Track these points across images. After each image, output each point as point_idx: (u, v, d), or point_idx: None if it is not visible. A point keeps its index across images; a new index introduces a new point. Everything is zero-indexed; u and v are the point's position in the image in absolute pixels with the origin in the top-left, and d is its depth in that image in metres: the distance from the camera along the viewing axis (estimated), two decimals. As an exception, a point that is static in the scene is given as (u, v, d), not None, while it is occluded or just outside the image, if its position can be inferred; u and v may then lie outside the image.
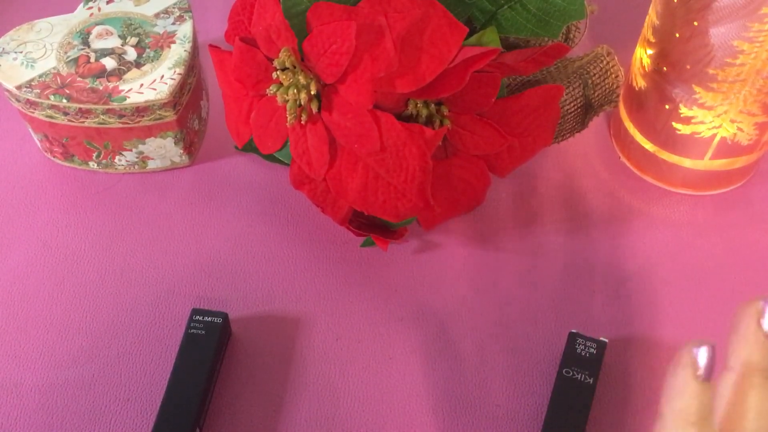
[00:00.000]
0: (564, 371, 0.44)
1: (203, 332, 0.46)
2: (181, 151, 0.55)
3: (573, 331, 0.46)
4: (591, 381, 0.44)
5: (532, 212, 0.54)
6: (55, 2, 0.64)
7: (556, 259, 0.51)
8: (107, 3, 0.56)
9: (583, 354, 0.45)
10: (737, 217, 0.54)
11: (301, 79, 0.42)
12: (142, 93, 0.50)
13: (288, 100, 0.43)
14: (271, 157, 0.51)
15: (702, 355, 0.31)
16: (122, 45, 0.53)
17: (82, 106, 0.50)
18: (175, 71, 0.51)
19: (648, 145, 0.54)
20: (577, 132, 0.53)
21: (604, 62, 0.51)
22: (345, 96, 0.42)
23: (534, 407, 0.45)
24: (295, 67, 0.43)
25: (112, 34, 0.54)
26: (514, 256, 0.52)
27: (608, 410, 0.45)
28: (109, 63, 0.52)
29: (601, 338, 0.46)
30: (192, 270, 0.51)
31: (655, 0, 0.49)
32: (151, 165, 0.55)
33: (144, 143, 0.53)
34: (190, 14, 0.55)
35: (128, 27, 0.54)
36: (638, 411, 0.45)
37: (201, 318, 0.46)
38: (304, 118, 0.43)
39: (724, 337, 0.48)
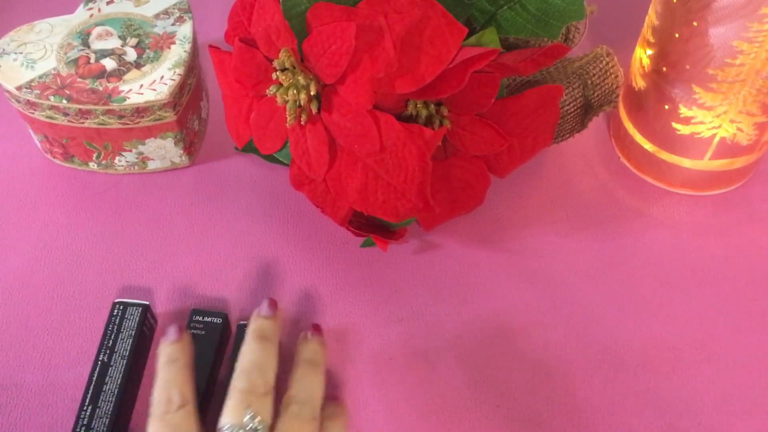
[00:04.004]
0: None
1: (203, 332, 0.46)
2: (181, 152, 0.55)
3: (241, 322, 0.46)
4: None
5: (532, 212, 0.54)
6: (55, 3, 0.64)
7: (556, 259, 0.51)
8: (107, 4, 0.56)
9: None
10: (737, 217, 0.54)
11: (301, 80, 0.43)
12: (142, 94, 0.50)
13: (288, 101, 0.43)
14: (270, 158, 0.51)
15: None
16: (122, 46, 0.53)
17: (82, 106, 0.50)
18: (175, 72, 0.52)
19: (647, 145, 0.54)
20: (576, 132, 0.53)
21: (604, 62, 0.51)
22: (345, 96, 0.42)
23: (534, 407, 0.45)
24: (294, 68, 0.43)
25: (112, 34, 0.54)
26: (514, 256, 0.52)
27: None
28: (109, 64, 0.52)
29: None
30: (192, 270, 0.51)
31: (655, 0, 0.49)
32: (151, 165, 0.55)
33: (144, 144, 0.53)
34: (190, 15, 0.55)
35: (128, 28, 0.54)
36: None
37: (201, 318, 0.46)
38: (303, 118, 0.43)
39: (726, 336, 0.49)
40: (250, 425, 0.38)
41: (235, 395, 0.39)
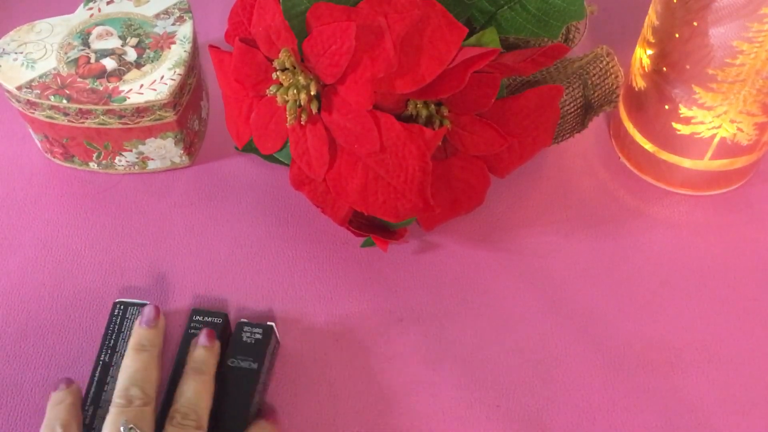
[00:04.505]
0: (229, 362, 0.44)
1: None
2: (181, 152, 0.55)
3: (242, 320, 0.46)
4: (256, 366, 0.44)
5: (532, 212, 0.54)
6: (55, 3, 0.64)
7: (556, 259, 0.51)
8: (107, 4, 0.56)
9: (248, 341, 0.45)
10: (737, 218, 0.54)
11: (301, 80, 0.43)
12: (142, 93, 0.50)
13: (288, 101, 0.43)
14: (271, 158, 0.51)
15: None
16: (122, 46, 0.53)
17: (82, 106, 0.50)
18: (175, 72, 0.52)
19: (648, 146, 0.54)
20: (577, 132, 0.53)
21: (604, 63, 0.51)
22: (345, 96, 0.42)
23: (534, 407, 0.45)
24: (294, 68, 0.43)
25: (112, 34, 0.54)
26: (514, 256, 0.52)
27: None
28: (109, 64, 0.52)
29: (268, 323, 0.46)
30: (192, 270, 0.51)
31: (655, 0, 0.49)
32: (151, 165, 0.55)
33: (144, 144, 0.53)
34: (190, 15, 0.55)
35: (128, 28, 0.54)
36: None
37: (201, 318, 0.46)
38: (303, 118, 0.43)
39: (726, 336, 0.49)
40: None
41: (112, 410, 0.40)
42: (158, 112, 0.51)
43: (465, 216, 0.53)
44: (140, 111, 0.51)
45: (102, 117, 0.51)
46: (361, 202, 0.45)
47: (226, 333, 0.47)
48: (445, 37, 0.40)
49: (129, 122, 0.51)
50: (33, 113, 0.52)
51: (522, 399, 0.46)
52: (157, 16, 0.55)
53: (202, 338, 0.44)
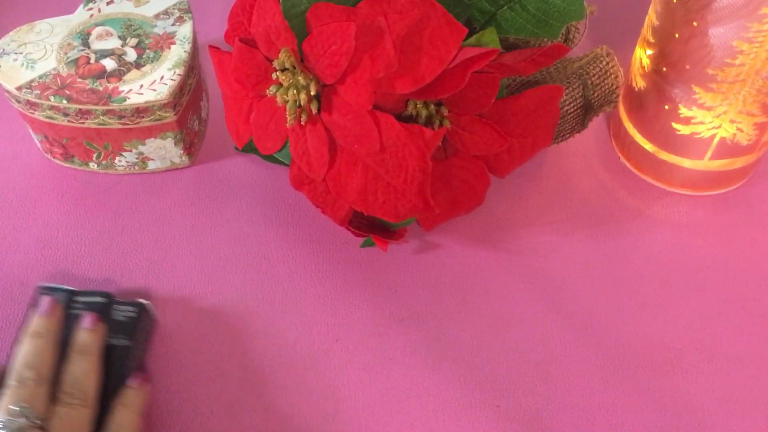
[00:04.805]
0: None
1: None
2: (181, 152, 0.55)
3: (116, 298, 0.46)
4: (129, 343, 0.45)
5: (532, 212, 0.54)
6: (55, 3, 0.64)
7: (556, 259, 0.51)
8: (107, 4, 0.56)
9: (122, 319, 0.45)
10: (737, 218, 0.54)
11: (301, 80, 0.43)
12: (142, 94, 0.50)
13: (288, 101, 0.43)
14: (270, 158, 0.51)
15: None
16: (122, 46, 0.53)
17: (82, 107, 0.50)
18: (174, 72, 0.52)
19: (648, 146, 0.54)
20: (576, 132, 0.53)
21: (604, 63, 0.51)
22: (345, 97, 0.42)
23: (534, 407, 0.45)
24: (294, 68, 0.43)
25: (112, 35, 0.54)
26: (514, 256, 0.52)
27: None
28: (109, 64, 0.52)
29: (142, 300, 0.47)
30: (192, 270, 0.51)
31: (655, 0, 0.49)
32: (151, 166, 0.55)
33: (144, 144, 0.53)
34: (190, 15, 0.55)
35: (128, 28, 0.54)
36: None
37: (83, 299, 0.46)
38: (303, 118, 0.43)
39: (726, 336, 0.49)
40: (19, 419, 0.39)
41: (4, 391, 0.40)
42: (158, 113, 0.51)
43: (465, 216, 0.53)
44: (140, 111, 0.51)
45: (102, 117, 0.51)
46: (361, 202, 0.45)
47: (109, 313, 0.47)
48: (445, 37, 0.40)
49: (129, 122, 0.51)
50: (33, 113, 0.52)
51: (522, 399, 0.46)
52: (157, 16, 0.55)
53: (85, 321, 0.45)
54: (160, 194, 0.55)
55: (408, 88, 0.41)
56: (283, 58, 0.42)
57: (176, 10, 0.55)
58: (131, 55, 0.53)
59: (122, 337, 0.45)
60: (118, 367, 0.44)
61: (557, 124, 0.49)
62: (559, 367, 0.47)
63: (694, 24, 0.45)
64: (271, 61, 0.44)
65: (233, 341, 0.48)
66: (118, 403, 0.42)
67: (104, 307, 0.46)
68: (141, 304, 0.46)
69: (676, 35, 0.47)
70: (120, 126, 0.52)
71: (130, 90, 0.51)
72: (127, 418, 0.42)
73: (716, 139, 0.50)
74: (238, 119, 0.48)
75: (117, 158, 0.55)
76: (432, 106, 0.43)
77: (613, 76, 0.51)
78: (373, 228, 0.49)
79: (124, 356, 0.44)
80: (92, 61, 0.52)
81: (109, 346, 0.44)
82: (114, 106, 0.50)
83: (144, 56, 0.53)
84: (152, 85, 0.51)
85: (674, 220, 0.54)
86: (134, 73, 0.52)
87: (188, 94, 0.53)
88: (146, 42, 0.53)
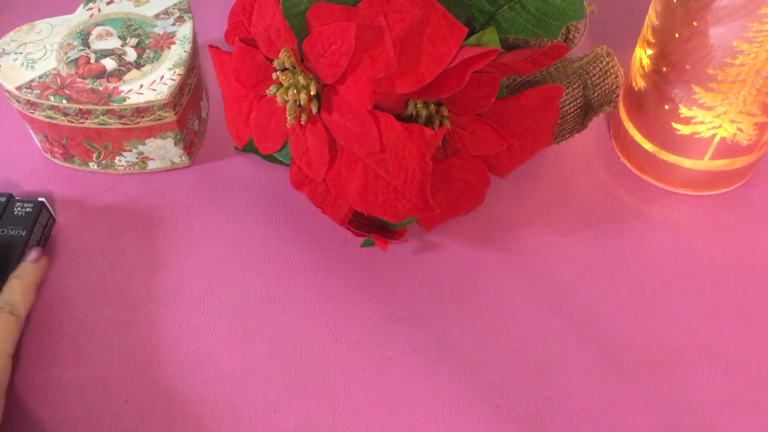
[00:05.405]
0: None
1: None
2: (181, 152, 0.55)
3: (15, 197, 0.51)
4: (24, 233, 0.49)
5: (532, 212, 0.54)
6: (55, 3, 0.64)
7: (556, 259, 0.52)
8: (107, 4, 0.56)
9: (19, 214, 0.50)
10: (737, 217, 0.54)
11: (301, 80, 0.43)
12: (142, 94, 0.50)
13: (288, 101, 0.43)
14: (270, 158, 0.51)
15: None
16: (122, 46, 0.53)
17: (82, 106, 0.50)
18: (175, 72, 0.52)
19: (648, 146, 0.54)
20: (576, 132, 0.53)
21: (604, 62, 0.51)
22: (345, 96, 0.42)
23: (534, 407, 0.45)
24: (294, 68, 0.43)
25: (112, 34, 0.54)
26: (514, 256, 0.52)
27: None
28: (109, 64, 0.52)
29: (39, 199, 0.51)
30: (192, 270, 0.51)
31: (655, 0, 0.49)
32: (151, 166, 0.55)
33: (144, 144, 0.53)
34: (190, 15, 0.55)
35: (128, 28, 0.54)
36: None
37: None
38: (303, 118, 0.43)
39: (726, 336, 0.49)
40: None
41: None
42: (158, 112, 0.51)
43: (465, 216, 0.53)
44: (140, 111, 0.51)
45: (102, 117, 0.51)
46: (361, 202, 0.45)
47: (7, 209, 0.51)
48: (445, 37, 0.40)
49: (129, 122, 0.51)
50: (33, 113, 0.52)
51: (522, 399, 0.46)
52: (157, 16, 0.55)
53: None
54: (160, 194, 0.55)
55: (408, 88, 0.41)
56: (283, 57, 0.42)
57: (176, 10, 0.55)
58: (131, 54, 0.53)
59: (20, 229, 0.50)
60: (15, 255, 0.49)
61: (557, 124, 0.49)
62: (559, 367, 0.47)
63: (694, 24, 0.45)
64: (271, 60, 0.44)
65: (233, 341, 0.48)
66: (12, 276, 0.46)
67: (4, 205, 0.51)
68: (39, 202, 0.51)
69: (676, 35, 0.47)
70: (120, 126, 0.52)
71: (130, 90, 0.51)
72: (17, 286, 0.46)
73: (716, 139, 0.50)
74: (238, 119, 0.48)
75: (117, 158, 0.55)
76: (432, 106, 0.43)
77: (613, 76, 0.51)
78: (373, 228, 0.49)
79: (20, 245, 0.49)
80: (92, 61, 0.52)
81: (8, 237, 0.49)
82: (114, 105, 0.50)
83: (144, 56, 0.53)
84: (152, 84, 0.51)
85: (674, 220, 0.54)
86: (134, 73, 0.52)
87: (188, 94, 0.53)
88: (146, 42, 0.53)
